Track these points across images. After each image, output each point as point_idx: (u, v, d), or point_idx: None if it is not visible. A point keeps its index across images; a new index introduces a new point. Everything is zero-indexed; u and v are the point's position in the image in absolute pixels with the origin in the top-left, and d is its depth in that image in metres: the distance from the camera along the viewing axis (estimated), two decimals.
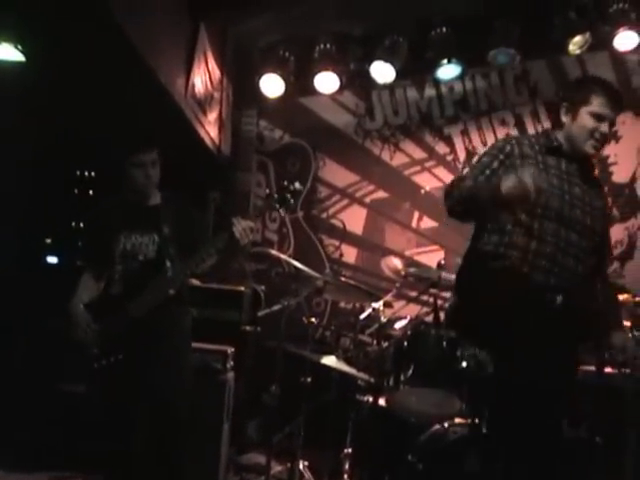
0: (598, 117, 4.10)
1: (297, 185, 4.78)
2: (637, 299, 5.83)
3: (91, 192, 7.34)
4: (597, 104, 4.10)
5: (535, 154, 4.15)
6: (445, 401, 5.38)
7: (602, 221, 4.25)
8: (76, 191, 7.34)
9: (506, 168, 4.04)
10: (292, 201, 4.77)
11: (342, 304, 7.63)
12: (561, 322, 3.92)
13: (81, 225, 7.14)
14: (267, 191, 4.88)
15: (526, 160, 4.09)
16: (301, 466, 5.74)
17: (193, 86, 7.16)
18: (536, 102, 7.92)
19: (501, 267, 4.01)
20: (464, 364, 5.31)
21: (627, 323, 5.70)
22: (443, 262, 5.89)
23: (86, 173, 7.39)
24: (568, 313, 3.96)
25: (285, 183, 4.78)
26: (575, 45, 7.28)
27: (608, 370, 5.67)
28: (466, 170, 4.27)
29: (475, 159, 4.28)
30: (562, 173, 4.16)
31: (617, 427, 5.56)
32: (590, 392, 5.56)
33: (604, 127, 4.11)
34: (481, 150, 7.94)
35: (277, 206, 4.80)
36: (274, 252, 6.56)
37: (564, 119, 4.24)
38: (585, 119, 4.12)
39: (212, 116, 7.77)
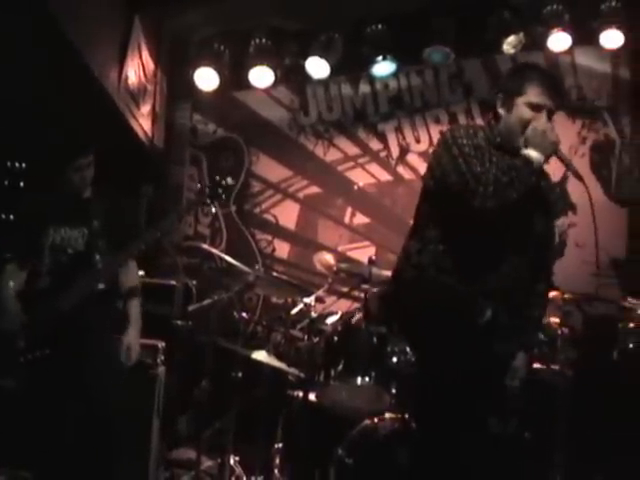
0: (536, 107, 3.92)
1: (229, 180, 4.79)
2: (566, 296, 5.92)
3: (21, 184, 7.23)
4: (534, 93, 3.93)
5: (487, 146, 4.02)
6: (375, 396, 5.40)
7: (543, 219, 4.16)
8: (6, 182, 7.22)
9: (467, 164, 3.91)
10: (224, 196, 4.77)
11: (274, 299, 7.60)
12: (489, 332, 3.92)
13: (10, 217, 7.04)
14: (199, 186, 4.86)
15: (479, 152, 3.96)
16: (232, 461, 5.73)
17: (126, 78, 7.11)
18: (470, 100, 7.98)
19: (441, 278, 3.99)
20: (394, 359, 5.35)
21: (556, 319, 5.80)
22: (374, 258, 5.92)
23: (17, 164, 7.27)
24: (496, 324, 3.95)
25: (217, 178, 4.77)
26: (509, 45, 7.39)
27: (537, 366, 5.75)
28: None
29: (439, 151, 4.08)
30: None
31: (546, 422, 5.64)
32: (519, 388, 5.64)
33: (542, 116, 3.92)
34: (415, 146, 8.11)
35: (208, 201, 4.80)
36: (205, 246, 6.54)
37: (500, 111, 4.07)
38: (522, 110, 3.95)
39: (145, 109, 7.72)
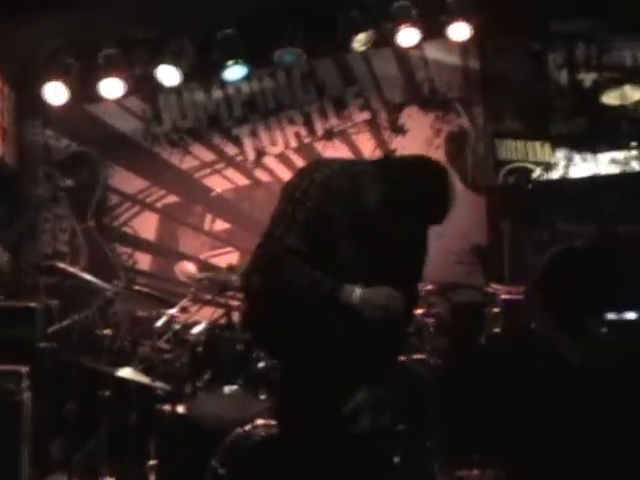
0: None
1: (68, 182, 4.72)
2: (430, 287, 6.00)
3: None
4: None
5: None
6: (245, 403, 5.37)
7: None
8: None
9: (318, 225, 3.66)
10: (65, 197, 4.70)
11: (139, 313, 7.49)
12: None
13: None
14: (38, 191, 4.74)
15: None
16: None
17: None
18: (323, 99, 8.03)
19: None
20: (260, 365, 5.33)
21: (420, 310, 5.86)
22: (234, 264, 5.90)
23: None
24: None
25: (57, 181, 4.70)
26: (359, 43, 7.45)
27: (403, 359, 5.80)
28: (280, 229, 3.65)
29: (288, 206, 3.68)
30: None
31: (418, 412, 5.70)
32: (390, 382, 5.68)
33: None
34: (271, 149, 8.11)
35: (50, 204, 4.71)
36: (62, 265, 6.41)
37: None
38: None
39: None
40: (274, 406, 4.99)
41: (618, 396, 4.93)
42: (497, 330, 6.38)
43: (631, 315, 5.29)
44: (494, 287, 6.48)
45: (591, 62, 7.44)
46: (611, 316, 5.28)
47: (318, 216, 3.66)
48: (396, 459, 5.38)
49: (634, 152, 7.11)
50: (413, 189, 3.54)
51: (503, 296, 6.35)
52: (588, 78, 7.49)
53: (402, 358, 5.80)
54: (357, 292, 3.62)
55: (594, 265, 5.24)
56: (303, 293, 3.65)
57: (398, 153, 7.47)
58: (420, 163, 3.73)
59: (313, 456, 3.75)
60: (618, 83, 7.15)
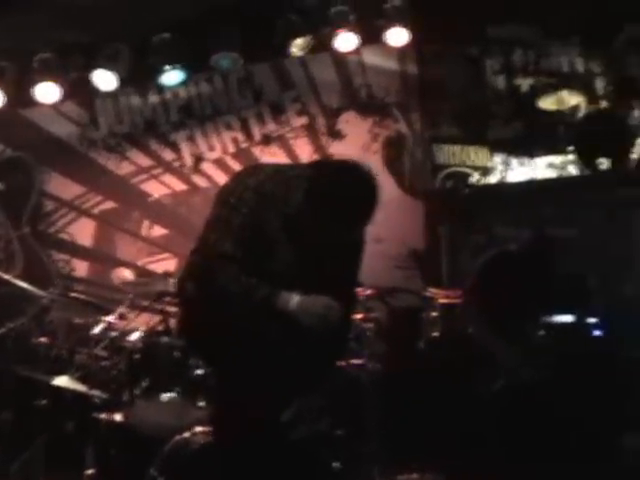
0: None
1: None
2: (368, 292, 5.99)
3: None
4: None
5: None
6: (183, 411, 5.31)
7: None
8: None
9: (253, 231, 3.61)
10: None
11: (76, 320, 7.41)
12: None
13: None
14: None
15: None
16: None
17: None
18: (260, 105, 8.01)
19: None
20: (198, 371, 5.29)
21: (359, 315, 5.86)
22: (172, 270, 5.86)
23: None
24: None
25: None
26: (297, 47, 7.43)
27: (342, 364, 5.79)
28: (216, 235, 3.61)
29: (222, 211, 3.64)
30: None
31: (357, 417, 5.70)
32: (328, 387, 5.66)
33: None
34: (208, 154, 8.09)
35: None
36: None
37: None
38: None
39: None
40: (212, 413, 4.95)
41: (557, 398, 4.97)
42: (436, 334, 6.40)
43: (567, 318, 5.33)
44: (432, 291, 6.50)
45: (528, 67, 7.50)
46: (547, 319, 5.32)
47: (252, 221, 3.62)
48: (335, 464, 5.37)
49: (571, 157, 7.18)
50: (339, 190, 3.53)
51: (441, 300, 6.37)
52: (525, 83, 7.55)
53: (340, 363, 5.81)
54: (294, 300, 3.60)
55: (528, 269, 5.29)
56: (238, 300, 3.63)
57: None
58: (349, 165, 3.69)
59: (252, 463, 3.73)
60: (555, 88, 7.23)
